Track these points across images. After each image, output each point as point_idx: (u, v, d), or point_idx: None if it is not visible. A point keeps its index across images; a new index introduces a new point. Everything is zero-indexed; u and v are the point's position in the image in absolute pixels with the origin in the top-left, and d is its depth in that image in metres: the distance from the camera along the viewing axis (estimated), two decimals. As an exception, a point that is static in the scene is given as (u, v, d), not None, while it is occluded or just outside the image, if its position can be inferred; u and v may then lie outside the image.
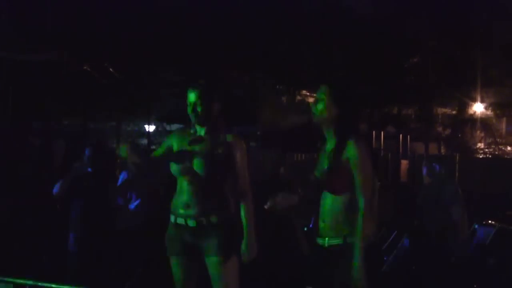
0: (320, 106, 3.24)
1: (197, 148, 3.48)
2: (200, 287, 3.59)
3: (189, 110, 3.50)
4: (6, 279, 3.95)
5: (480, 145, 24.65)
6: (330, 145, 3.27)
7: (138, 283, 5.23)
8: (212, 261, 3.43)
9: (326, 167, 3.21)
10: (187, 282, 3.55)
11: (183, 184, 3.48)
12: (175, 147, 3.58)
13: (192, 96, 3.47)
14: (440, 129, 24.27)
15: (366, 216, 3.12)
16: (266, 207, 3.32)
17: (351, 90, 3.41)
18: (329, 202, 3.23)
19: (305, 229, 5.77)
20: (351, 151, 3.16)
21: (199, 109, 3.46)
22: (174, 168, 3.49)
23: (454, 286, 5.39)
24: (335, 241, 3.20)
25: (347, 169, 3.16)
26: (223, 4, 17.84)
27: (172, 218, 3.53)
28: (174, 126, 22.33)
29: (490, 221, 7.12)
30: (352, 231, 3.14)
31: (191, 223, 3.44)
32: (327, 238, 3.23)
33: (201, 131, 3.53)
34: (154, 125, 24.27)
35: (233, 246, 3.46)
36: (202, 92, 3.47)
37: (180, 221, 3.48)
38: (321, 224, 3.27)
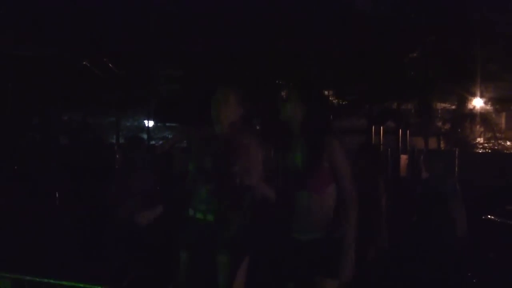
0: (288, 106, 3.28)
1: (213, 145, 3.52)
2: (202, 283, 3.59)
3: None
4: (4, 274, 3.95)
5: (480, 140, 24.65)
6: (298, 144, 3.28)
7: (136, 279, 5.23)
8: (223, 257, 3.45)
9: (300, 165, 3.23)
10: (191, 276, 3.56)
11: (201, 180, 3.50)
12: (193, 145, 3.64)
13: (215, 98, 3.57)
14: (439, 124, 24.28)
15: (356, 209, 3.17)
16: None
17: (319, 89, 3.46)
18: (307, 199, 3.24)
19: None
20: (331, 148, 3.19)
21: (218, 109, 3.54)
22: (192, 164, 3.54)
23: (452, 280, 5.40)
24: (314, 236, 3.22)
25: (326, 166, 3.19)
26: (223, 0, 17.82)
27: (190, 212, 3.56)
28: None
29: (489, 216, 7.13)
30: (334, 226, 3.19)
31: (208, 217, 3.47)
32: (306, 233, 3.24)
33: (218, 129, 3.58)
34: (153, 120, 24.23)
35: (245, 243, 3.48)
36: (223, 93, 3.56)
37: (199, 215, 3.50)
38: (299, 220, 3.27)
